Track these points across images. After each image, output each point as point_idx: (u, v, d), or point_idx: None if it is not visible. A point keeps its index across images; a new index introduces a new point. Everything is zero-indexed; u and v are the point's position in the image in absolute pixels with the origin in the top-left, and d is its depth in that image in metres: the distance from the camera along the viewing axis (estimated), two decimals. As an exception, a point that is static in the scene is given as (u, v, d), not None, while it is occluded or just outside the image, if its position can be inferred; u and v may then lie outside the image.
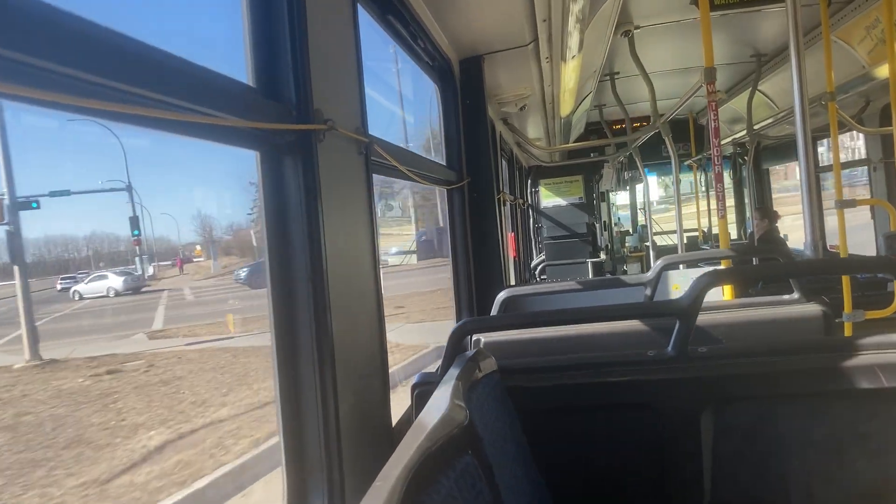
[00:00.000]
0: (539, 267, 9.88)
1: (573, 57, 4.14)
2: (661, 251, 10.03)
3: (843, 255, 4.86)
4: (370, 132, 2.09)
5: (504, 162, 7.09)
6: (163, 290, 29.61)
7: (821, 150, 8.90)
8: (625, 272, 10.63)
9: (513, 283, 7.03)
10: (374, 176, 2.19)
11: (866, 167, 6.91)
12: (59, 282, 26.76)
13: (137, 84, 1.13)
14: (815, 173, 3.32)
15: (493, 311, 3.27)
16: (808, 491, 2.10)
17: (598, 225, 10.31)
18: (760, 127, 7.73)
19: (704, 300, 2.19)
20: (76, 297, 25.56)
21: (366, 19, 2.67)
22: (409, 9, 2.83)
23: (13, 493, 8.64)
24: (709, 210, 10.46)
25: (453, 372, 1.89)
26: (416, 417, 1.55)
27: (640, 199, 12.32)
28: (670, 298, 2.29)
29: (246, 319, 20.03)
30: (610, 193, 11.71)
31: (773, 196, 10.84)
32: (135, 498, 8.44)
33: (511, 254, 7.54)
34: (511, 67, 4.33)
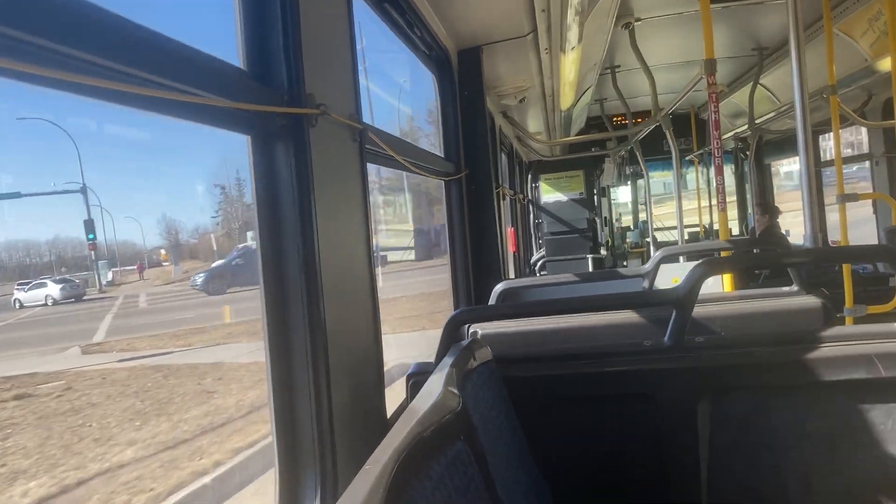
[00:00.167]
0: (539, 262, 9.85)
1: (572, 48, 4.12)
2: (662, 247, 10.00)
3: None
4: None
5: (504, 156, 7.06)
6: (117, 297, 28.55)
7: (824, 143, 8.88)
8: (625, 267, 10.62)
9: (512, 277, 7.02)
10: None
11: (868, 161, 6.89)
12: (16, 288, 26.00)
13: (127, 63, 1.11)
14: (815, 167, 3.29)
15: (491, 303, 3.26)
16: (805, 481, 2.08)
17: (598, 220, 10.28)
18: (762, 121, 7.70)
19: (704, 292, 2.17)
20: (17, 306, 24.76)
21: (363, 8, 2.65)
22: None
23: None
24: (710, 205, 10.43)
25: (447, 360, 1.87)
26: None
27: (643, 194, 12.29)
28: (670, 287, 2.27)
29: (192, 331, 18.92)
30: (611, 189, 11.68)
31: (781, 191, 10.81)
32: None
33: (511, 249, 7.51)
34: (510, 59, 4.30)
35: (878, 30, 4.94)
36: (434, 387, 1.56)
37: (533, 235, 10.84)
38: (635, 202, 12.99)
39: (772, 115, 7.48)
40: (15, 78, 0.96)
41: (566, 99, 5.75)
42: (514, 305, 3.16)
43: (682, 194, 6.64)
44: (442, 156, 3.86)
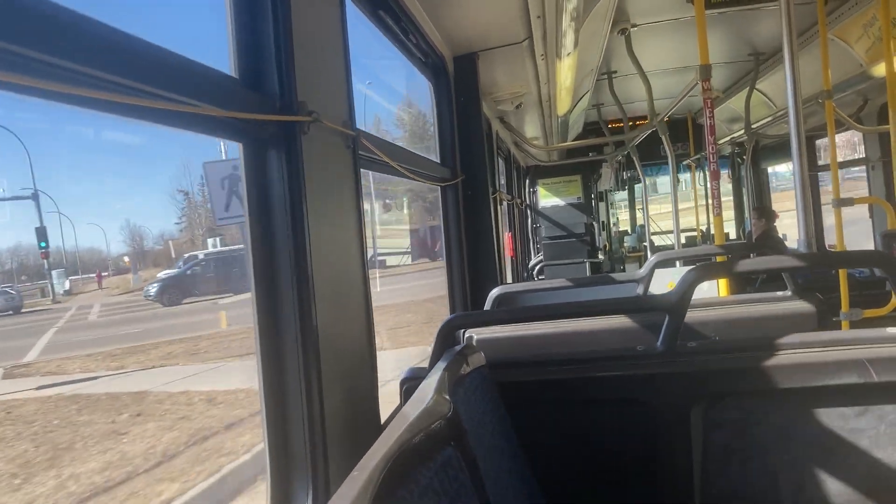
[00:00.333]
0: (537, 267, 9.86)
1: (568, 54, 4.13)
2: (659, 251, 10.01)
3: None
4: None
5: (501, 161, 7.07)
6: (70, 308, 27.28)
7: (824, 144, 8.88)
8: (623, 272, 10.62)
9: (510, 282, 7.02)
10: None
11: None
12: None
13: (119, 72, 1.12)
14: (809, 172, 3.31)
15: (487, 308, 3.26)
16: (799, 486, 2.09)
17: (596, 225, 10.30)
18: (758, 126, 7.71)
19: (700, 296, 2.18)
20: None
21: (358, 16, 2.67)
22: (400, 4, 2.82)
23: None
24: (707, 209, 10.44)
25: (440, 365, 1.88)
26: None
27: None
28: (663, 293, 2.28)
29: (130, 350, 17.26)
30: (609, 193, 11.69)
31: (779, 191, 10.81)
32: None
33: (508, 253, 7.52)
34: (506, 65, 4.32)
35: (873, 35, 4.96)
36: (426, 392, 1.57)
37: (531, 240, 10.85)
38: (632, 206, 13.00)
39: (768, 119, 7.49)
40: (3, 89, 0.97)
41: (563, 104, 5.76)
42: (508, 310, 3.17)
43: (679, 198, 6.65)
44: (438, 161, 3.87)
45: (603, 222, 11.01)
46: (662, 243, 11.56)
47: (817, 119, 6.61)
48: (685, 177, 11.23)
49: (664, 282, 4.63)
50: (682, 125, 9.71)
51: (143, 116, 1.26)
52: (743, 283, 4.59)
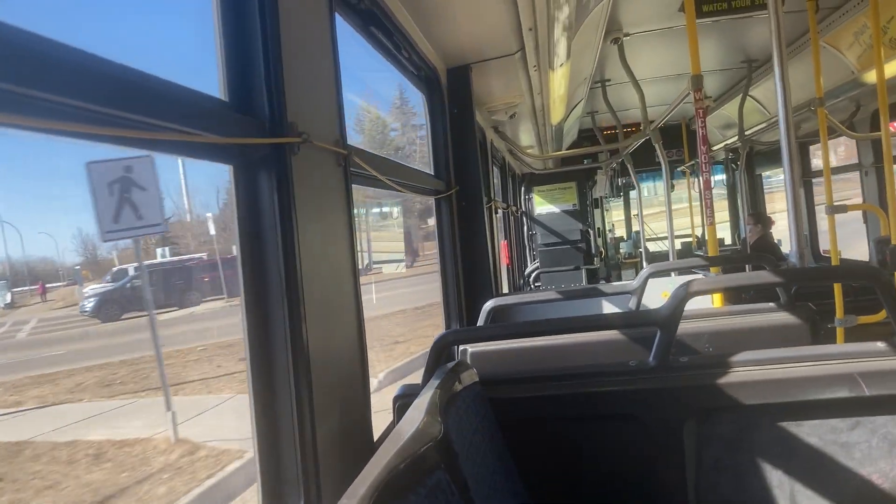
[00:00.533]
0: (533, 274, 9.87)
1: (561, 65, 4.14)
2: (655, 257, 10.03)
3: (835, 260, 4.86)
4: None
5: (496, 170, 7.08)
6: (3, 324, 25.23)
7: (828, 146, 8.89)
8: (619, 278, 10.63)
9: (506, 290, 7.03)
10: None
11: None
12: None
13: (108, 104, 1.13)
14: (800, 181, 3.33)
15: (480, 321, 3.26)
16: (792, 500, 2.09)
17: (592, 232, 10.31)
18: (752, 132, 7.74)
19: (691, 307, 2.18)
20: None
21: (349, 31, 2.67)
22: (392, 20, 2.82)
23: None
24: (702, 216, 10.46)
25: (433, 383, 1.88)
26: None
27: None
28: (655, 307, 2.29)
29: (39, 379, 15.22)
30: (604, 200, 11.71)
31: (780, 192, 10.80)
32: None
33: (504, 261, 7.53)
34: (500, 76, 4.33)
35: (864, 43, 4.99)
36: (416, 413, 1.57)
37: (527, 247, 10.86)
38: (628, 213, 13.03)
39: (762, 126, 7.52)
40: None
41: (557, 113, 5.78)
42: (500, 326, 3.17)
43: (673, 206, 6.67)
44: (432, 173, 3.88)
45: (598, 229, 11.02)
46: (658, 249, 11.58)
47: (811, 125, 6.64)
48: (681, 182, 11.26)
49: (659, 290, 4.64)
50: (676, 131, 9.75)
51: (132, 144, 1.26)
52: (737, 293, 4.60)
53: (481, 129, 5.01)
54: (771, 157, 9.53)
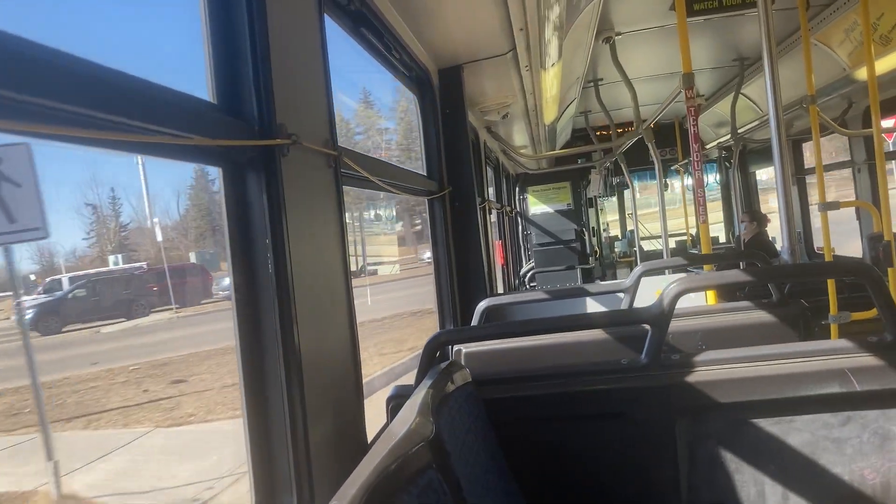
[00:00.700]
0: (528, 274, 9.87)
1: (553, 65, 4.15)
2: (649, 256, 10.04)
3: (828, 258, 4.87)
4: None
5: (490, 170, 7.08)
6: None
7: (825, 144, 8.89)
8: (614, 277, 10.64)
9: (501, 290, 7.03)
10: None
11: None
12: None
13: (95, 107, 1.12)
14: (791, 178, 3.34)
15: (474, 321, 3.26)
16: (785, 496, 2.09)
17: (586, 231, 10.33)
18: (744, 130, 7.76)
19: (684, 305, 2.19)
20: None
21: (339, 33, 2.67)
22: (382, 21, 2.82)
23: None
24: (697, 214, 10.47)
25: (425, 384, 1.88)
26: None
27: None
28: (648, 305, 2.29)
29: None
30: (598, 200, 11.71)
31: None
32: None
33: (499, 262, 7.53)
34: (491, 76, 4.33)
35: (855, 40, 5.00)
36: (408, 414, 1.57)
37: (522, 247, 10.86)
38: (622, 212, 13.04)
39: (754, 124, 7.54)
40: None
41: (550, 113, 5.78)
42: (493, 326, 3.18)
43: (665, 204, 6.68)
44: (424, 174, 3.88)
45: (593, 228, 11.03)
46: (652, 248, 11.59)
47: (803, 123, 6.65)
48: (675, 181, 11.28)
49: (653, 288, 4.65)
50: (669, 130, 9.76)
51: (120, 148, 1.26)
52: (731, 290, 4.61)
53: (474, 129, 5.01)
54: (764, 154, 9.55)
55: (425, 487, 1.34)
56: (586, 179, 10.29)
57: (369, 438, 2.18)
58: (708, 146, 9.91)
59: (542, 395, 2.27)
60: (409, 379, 2.34)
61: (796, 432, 2.11)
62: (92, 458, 9.71)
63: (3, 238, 6.80)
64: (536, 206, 9.92)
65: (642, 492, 2.20)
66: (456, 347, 3.12)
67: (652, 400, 2.19)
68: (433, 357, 2.20)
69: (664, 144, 9.56)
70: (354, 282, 2.15)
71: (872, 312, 4.65)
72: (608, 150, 8.24)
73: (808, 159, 8.40)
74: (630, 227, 12.46)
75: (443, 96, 3.99)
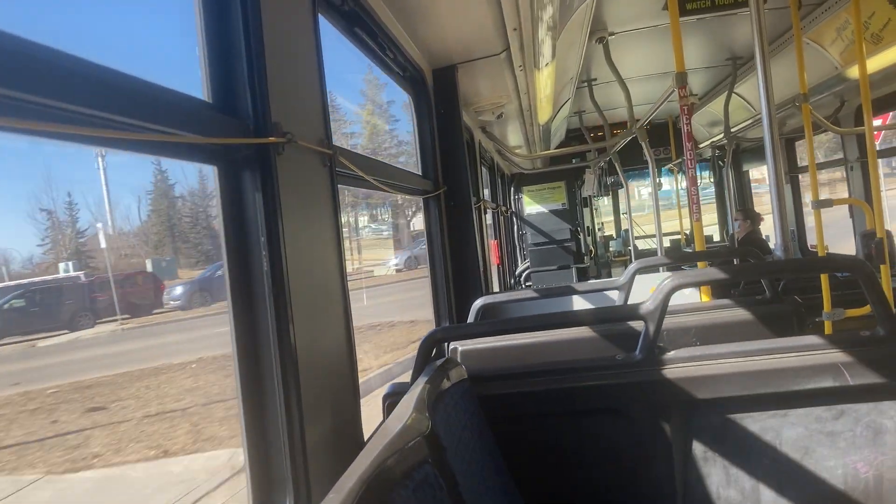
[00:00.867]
0: (524, 274, 9.89)
1: (547, 64, 4.16)
2: (644, 255, 10.06)
3: (822, 254, 4.89)
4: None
5: (485, 170, 7.09)
6: None
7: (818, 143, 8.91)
8: (609, 276, 10.66)
9: (497, 290, 7.04)
10: None
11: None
12: None
13: (90, 105, 1.13)
14: (784, 177, 3.36)
15: (470, 319, 3.28)
16: (779, 490, 2.11)
17: (581, 230, 10.34)
18: (737, 129, 7.78)
19: (678, 302, 2.20)
20: None
21: (333, 33, 2.68)
22: (376, 21, 2.83)
23: None
24: (690, 212, 10.49)
25: (421, 381, 1.89)
26: None
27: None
28: (641, 301, 2.31)
29: None
30: (593, 199, 11.73)
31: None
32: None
33: (494, 261, 7.54)
34: (486, 76, 4.34)
35: (847, 38, 5.03)
36: (404, 410, 1.58)
37: (517, 247, 10.87)
38: (616, 211, 13.06)
39: (747, 123, 7.56)
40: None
41: (544, 113, 5.80)
42: (489, 323, 3.19)
43: (661, 203, 6.70)
44: (420, 173, 3.89)
45: (588, 227, 11.05)
46: (647, 247, 11.62)
47: (796, 121, 6.68)
48: (669, 180, 11.30)
49: (647, 286, 4.66)
50: (663, 129, 9.79)
51: (115, 146, 1.26)
52: (725, 287, 4.63)
53: (469, 129, 5.02)
54: (758, 153, 9.57)
55: (421, 482, 1.35)
56: (581, 179, 10.31)
57: (366, 436, 2.19)
58: (701, 145, 9.94)
59: (538, 392, 2.28)
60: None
61: (790, 426, 2.12)
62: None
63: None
64: (531, 206, 9.94)
65: (637, 486, 2.22)
66: (452, 345, 3.13)
67: (646, 395, 2.21)
68: (429, 354, 2.21)
69: (658, 144, 9.58)
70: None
71: (866, 309, 4.67)
72: (602, 150, 8.26)
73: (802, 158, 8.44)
74: (624, 226, 12.48)
75: (437, 96, 4.00)
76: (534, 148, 7.78)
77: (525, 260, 10.46)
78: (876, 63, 4.72)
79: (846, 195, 6.93)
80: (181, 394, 12.81)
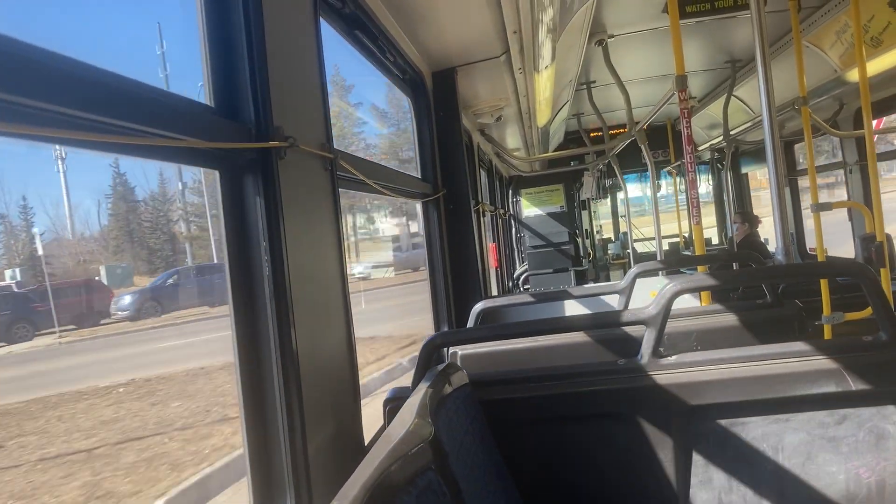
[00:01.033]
0: (522, 277, 9.88)
1: (546, 67, 4.16)
2: (643, 258, 10.06)
3: (821, 258, 4.89)
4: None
5: (483, 172, 7.09)
6: None
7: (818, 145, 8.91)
8: (608, 279, 10.66)
9: (495, 293, 7.03)
10: None
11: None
12: None
13: (92, 109, 1.13)
14: (784, 180, 3.35)
15: (470, 323, 3.27)
16: (781, 496, 2.10)
17: (579, 233, 10.34)
18: (737, 132, 7.79)
19: (679, 306, 2.20)
20: None
21: (333, 36, 2.68)
22: (377, 24, 2.83)
23: None
24: (689, 216, 10.49)
25: (423, 386, 1.88)
26: None
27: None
28: (643, 306, 2.31)
29: None
30: (591, 202, 11.73)
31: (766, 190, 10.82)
32: None
33: (493, 264, 7.53)
34: (485, 79, 4.34)
35: (846, 41, 5.03)
36: (407, 415, 1.58)
37: (516, 249, 10.87)
38: (615, 214, 13.06)
39: (746, 126, 7.57)
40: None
41: (543, 115, 5.79)
42: (489, 327, 3.18)
43: (658, 206, 6.70)
44: (419, 177, 3.88)
45: (586, 230, 11.05)
46: (646, 250, 11.62)
47: (795, 124, 6.68)
48: (667, 182, 11.30)
49: (647, 289, 4.65)
50: (662, 132, 9.79)
51: (116, 150, 1.26)
52: (725, 291, 4.62)
53: (467, 131, 5.02)
54: (757, 155, 9.58)
55: (425, 488, 1.35)
56: (579, 182, 10.31)
57: (366, 440, 2.18)
58: (700, 148, 9.94)
59: (539, 396, 2.28)
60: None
61: (792, 431, 2.12)
62: None
63: None
64: (529, 209, 9.93)
65: (639, 492, 2.21)
66: (451, 349, 3.12)
67: (648, 400, 2.20)
68: (430, 359, 2.20)
69: (657, 146, 9.59)
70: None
71: (865, 313, 4.67)
72: (601, 153, 8.25)
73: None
74: (623, 229, 12.47)
75: (436, 99, 4.00)
76: (532, 150, 7.77)
77: (523, 263, 10.46)
78: (875, 66, 4.72)
79: (841, 198, 6.94)
80: (95, 427, 10.89)
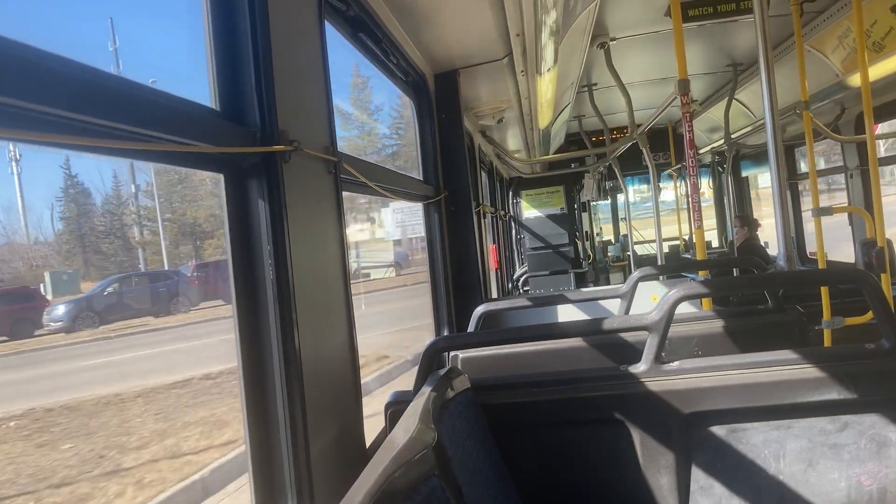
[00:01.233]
0: (522, 278, 9.88)
1: (548, 70, 4.16)
2: (643, 260, 10.06)
3: (822, 263, 4.89)
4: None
5: (484, 174, 7.09)
6: None
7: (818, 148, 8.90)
8: (608, 281, 10.66)
9: (495, 295, 7.03)
10: None
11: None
12: None
13: (97, 114, 1.12)
14: (786, 184, 3.36)
15: (471, 327, 3.27)
16: (783, 502, 2.10)
17: (580, 235, 10.34)
18: (738, 136, 7.79)
19: (680, 311, 2.20)
20: None
21: (337, 38, 2.68)
22: (380, 26, 2.83)
23: None
24: (690, 219, 10.50)
25: (425, 390, 1.88)
26: None
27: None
28: (645, 311, 2.30)
29: None
30: (591, 204, 11.73)
31: (765, 189, 10.80)
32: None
33: (493, 266, 7.53)
34: (487, 81, 4.34)
35: (848, 46, 5.03)
36: (410, 420, 1.57)
37: (516, 251, 10.87)
38: (615, 216, 13.07)
39: (747, 129, 7.57)
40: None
41: (544, 118, 5.79)
42: (490, 332, 3.18)
43: (659, 209, 6.70)
44: (421, 179, 3.88)
45: (586, 232, 11.05)
46: (646, 252, 11.62)
47: (796, 128, 6.68)
48: (668, 186, 11.31)
49: (648, 293, 4.65)
50: (663, 135, 9.79)
51: (122, 155, 1.26)
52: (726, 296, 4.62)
53: (469, 133, 5.02)
54: (757, 159, 9.58)
55: (428, 495, 1.35)
56: (580, 184, 10.31)
57: (367, 444, 2.18)
58: (701, 151, 9.95)
59: (540, 401, 2.28)
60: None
61: (794, 438, 2.12)
62: None
63: None
64: (530, 211, 9.93)
65: (640, 498, 2.21)
66: (453, 353, 3.12)
67: (649, 406, 2.20)
68: (432, 363, 2.20)
69: (657, 149, 9.59)
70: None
71: (865, 318, 4.67)
72: (602, 155, 8.25)
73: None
74: (623, 231, 12.47)
75: (439, 101, 4.00)
76: (533, 152, 7.77)
77: (523, 264, 10.45)
78: (877, 71, 4.73)
79: (840, 202, 6.95)
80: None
